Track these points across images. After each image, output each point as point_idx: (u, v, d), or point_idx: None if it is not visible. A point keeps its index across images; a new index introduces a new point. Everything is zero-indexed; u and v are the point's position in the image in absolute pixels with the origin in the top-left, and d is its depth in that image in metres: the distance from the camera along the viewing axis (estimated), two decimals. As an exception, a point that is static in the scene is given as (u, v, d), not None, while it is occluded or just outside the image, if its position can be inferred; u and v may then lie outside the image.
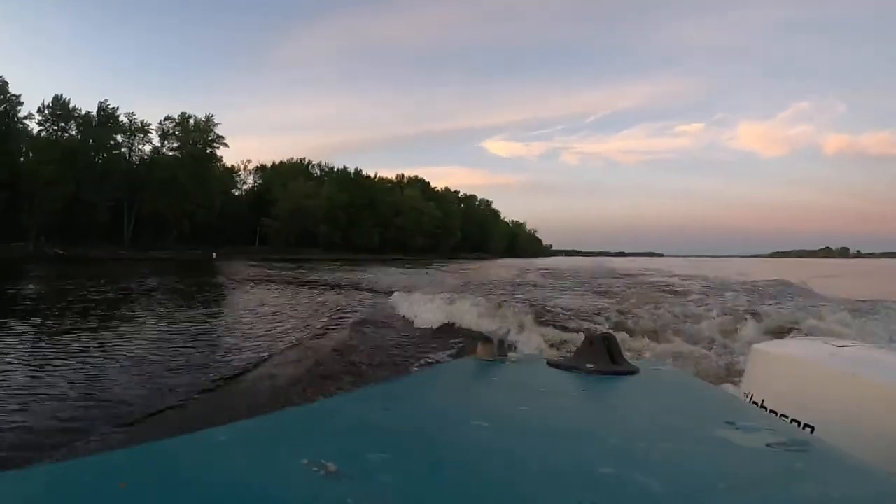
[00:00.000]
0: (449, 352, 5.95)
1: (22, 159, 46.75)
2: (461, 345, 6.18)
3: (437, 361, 5.32)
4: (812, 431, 1.30)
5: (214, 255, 47.69)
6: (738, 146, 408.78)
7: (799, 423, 1.36)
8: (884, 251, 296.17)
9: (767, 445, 0.77)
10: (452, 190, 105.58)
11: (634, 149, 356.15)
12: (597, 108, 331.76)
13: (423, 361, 5.53)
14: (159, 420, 3.83)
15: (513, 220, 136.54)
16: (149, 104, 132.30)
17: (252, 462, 0.63)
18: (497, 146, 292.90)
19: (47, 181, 43.87)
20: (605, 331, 1.14)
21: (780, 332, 6.05)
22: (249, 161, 74.98)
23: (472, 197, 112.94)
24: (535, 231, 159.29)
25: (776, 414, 1.43)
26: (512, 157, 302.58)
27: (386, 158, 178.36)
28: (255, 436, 0.74)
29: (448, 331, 7.17)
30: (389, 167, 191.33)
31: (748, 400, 1.61)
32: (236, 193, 69.22)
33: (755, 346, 1.90)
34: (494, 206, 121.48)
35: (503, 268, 32.63)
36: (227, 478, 0.59)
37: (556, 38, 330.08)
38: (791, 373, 1.58)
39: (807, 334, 5.39)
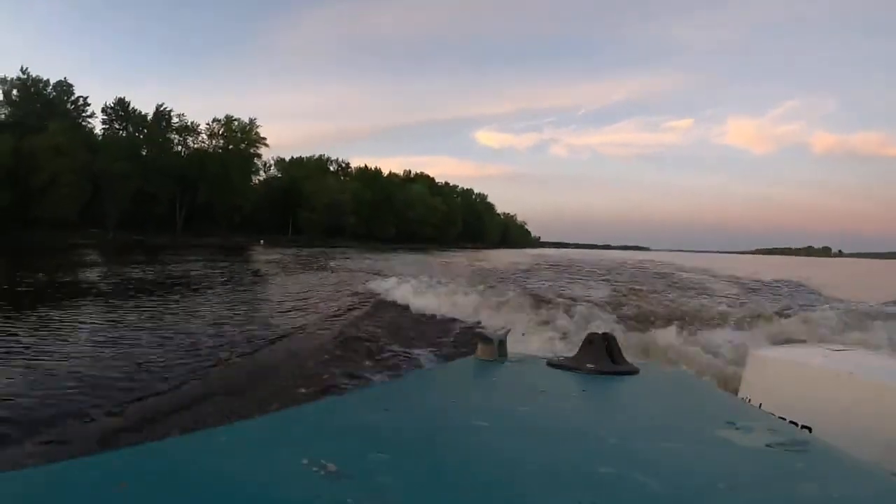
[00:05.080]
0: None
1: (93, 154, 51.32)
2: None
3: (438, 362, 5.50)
4: (810, 432, 1.29)
5: (262, 241, 51.91)
6: (726, 142, 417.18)
7: (796, 425, 1.35)
8: (866, 252, 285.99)
9: (767, 445, 0.76)
10: (451, 184, 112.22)
11: (624, 142, 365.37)
12: (587, 101, 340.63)
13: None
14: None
15: (504, 213, 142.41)
16: (140, 89, 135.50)
17: (252, 462, 0.62)
18: (487, 137, 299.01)
19: (122, 175, 49.45)
20: (605, 331, 1.26)
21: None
22: (279, 156, 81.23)
23: (470, 191, 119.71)
24: (524, 223, 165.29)
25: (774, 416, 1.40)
26: (502, 149, 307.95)
27: (379, 148, 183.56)
28: (255, 436, 0.75)
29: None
30: (382, 156, 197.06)
31: None
32: (254, 183, 74.11)
33: (752, 352, 1.91)
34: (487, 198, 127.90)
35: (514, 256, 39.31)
36: (227, 478, 0.58)
37: (548, 30, 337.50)
38: (786, 375, 1.59)
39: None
